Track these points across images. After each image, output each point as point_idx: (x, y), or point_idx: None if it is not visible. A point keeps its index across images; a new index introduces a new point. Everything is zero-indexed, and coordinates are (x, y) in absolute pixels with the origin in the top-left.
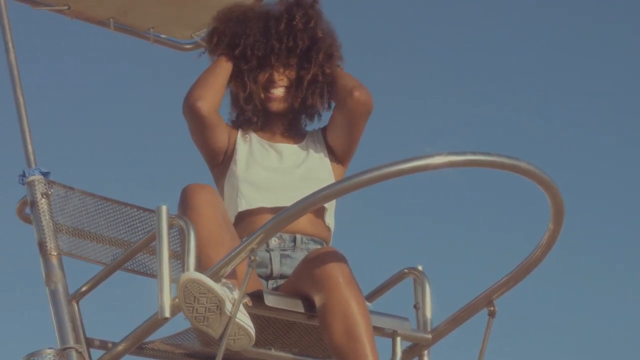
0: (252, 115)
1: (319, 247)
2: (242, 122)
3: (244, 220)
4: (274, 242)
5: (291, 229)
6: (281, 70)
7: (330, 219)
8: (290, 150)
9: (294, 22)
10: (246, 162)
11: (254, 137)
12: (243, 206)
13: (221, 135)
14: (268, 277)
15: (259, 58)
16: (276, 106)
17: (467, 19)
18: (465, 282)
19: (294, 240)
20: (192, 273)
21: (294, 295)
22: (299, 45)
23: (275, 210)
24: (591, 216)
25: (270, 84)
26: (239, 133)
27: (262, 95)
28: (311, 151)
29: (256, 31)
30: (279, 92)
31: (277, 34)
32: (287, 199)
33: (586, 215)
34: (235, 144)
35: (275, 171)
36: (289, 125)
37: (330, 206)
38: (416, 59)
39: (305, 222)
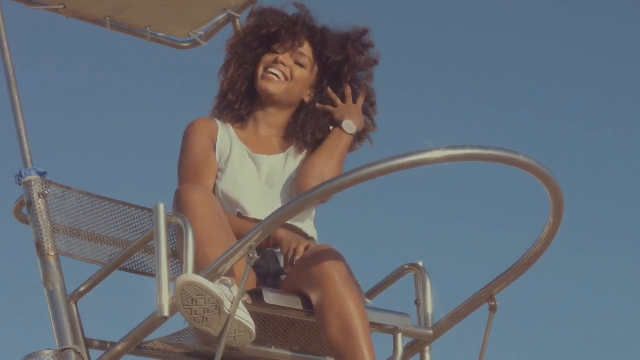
0: (235, 102)
1: (308, 238)
2: (224, 110)
3: None
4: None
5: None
6: (291, 60)
7: (311, 230)
8: (269, 162)
9: (349, 45)
10: (225, 170)
11: (234, 139)
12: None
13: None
14: (266, 275)
15: (290, 35)
16: (272, 87)
17: (466, 18)
18: (466, 278)
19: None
20: (188, 275)
21: (292, 293)
22: (329, 59)
23: (254, 220)
24: (592, 211)
25: (274, 64)
26: (219, 132)
27: (260, 73)
28: (291, 168)
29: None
30: (279, 74)
31: (329, 39)
32: (266, 209)
33: (587, 210)
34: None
35: (253, 183)
36: (275, 128)
37: (310, 222)
38: (416, 56)
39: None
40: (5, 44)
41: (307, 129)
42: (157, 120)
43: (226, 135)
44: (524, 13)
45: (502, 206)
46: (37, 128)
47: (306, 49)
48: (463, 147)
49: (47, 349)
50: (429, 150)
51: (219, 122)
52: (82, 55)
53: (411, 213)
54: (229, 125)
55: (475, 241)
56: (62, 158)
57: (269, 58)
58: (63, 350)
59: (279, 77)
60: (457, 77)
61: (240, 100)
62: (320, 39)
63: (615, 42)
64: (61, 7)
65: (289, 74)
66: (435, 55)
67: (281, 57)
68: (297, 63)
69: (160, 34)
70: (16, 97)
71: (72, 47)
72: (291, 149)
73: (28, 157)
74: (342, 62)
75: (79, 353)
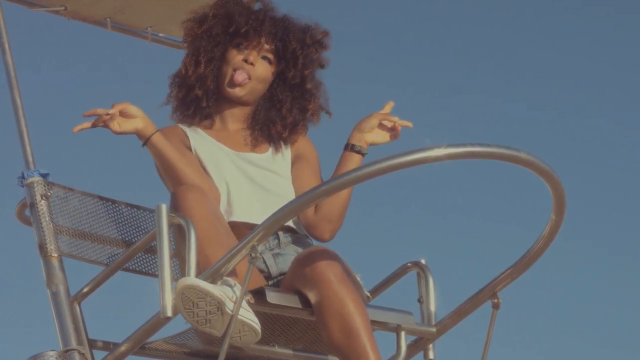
0: (201, 99)
1: (300, 237)
2: (189, 105)
3: None
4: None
5: None
6: (259, 57)
7: (300, 230)
8: (257, 161)
9: (307, 36)
10: (216, 175)
11: (209, 140)
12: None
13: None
14: (267, 278)
15: (258, 34)
16: (238, 91)
17: (465, 13)
18: (468, 275)
19: (278, 237)
20: (187, 279)
21: (294, 292)
22: (290, 47)
23: (248, 225)
24: (594, 205)
25: (243, 64)
26: (189, 136)
27: (229, 74)
28: (278, 163)
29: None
30: (247, 75)
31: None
32: (261, 213)
33: (589, 204)
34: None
35: (248, 187)
36: (242, 122)
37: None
38: (418, 53)
39: None
40: (6, 45)
41: (277, 123)
42: (159, 120)
43: (198, 138)
44: (522, 6)
45: (504, 203)
46: (38, 129)
47: (270, 44)
48: (464, 145)
49: (51, 350)
50: (430, 148)
51: (183, 127)
52: (82, 55)
53: (413, 211)
54: (195, 127)
55: (477, 238)
56: (64, 159)
57: (237, 58)
58: (67, 351)
59: (247, 78)
60: (457, 74)
61: (208, 98)
62: (282, 31)
63: (618, 35)
64: (62, 8)
65: (257, 72)
66: (436, 54)
67: (251, 58)
68: (263, 58)
69: (160, 34)
70: (17, 99)
71: (73, 47)
72: (272, 145)
73: (30, 158)
74: (299, 50)
75: (83, 354)
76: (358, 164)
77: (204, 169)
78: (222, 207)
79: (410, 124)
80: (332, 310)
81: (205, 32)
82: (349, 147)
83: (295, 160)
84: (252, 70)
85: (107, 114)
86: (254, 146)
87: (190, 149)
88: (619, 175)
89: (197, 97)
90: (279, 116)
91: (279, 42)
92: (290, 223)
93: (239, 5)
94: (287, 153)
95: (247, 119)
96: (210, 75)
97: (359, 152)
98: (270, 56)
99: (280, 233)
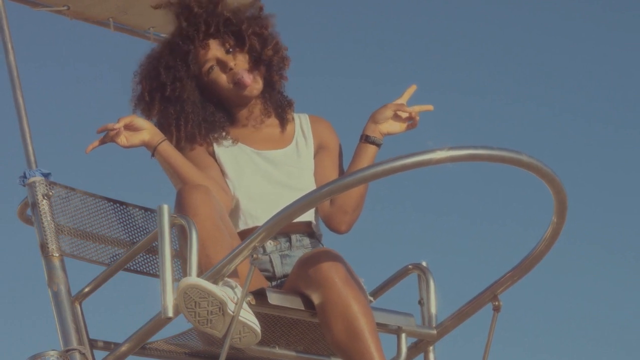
0: (214, 131)
1: (314, 241)
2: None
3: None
4: (269, 245)
5: (284, 230)
6: (226, 54)
7: (317, 229)
8: (280, 158)
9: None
10: (236, 178)
11: (231, 143)
12: (240, 226)
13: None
14: (271, 279)
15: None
16: (255, 89)
17: (468, 11)
18: (469, 277)
19: (289, 239)
20: (190, 279)
21: (295, 293)
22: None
23: None
24: (595, 206)
25: (231, 72)
26: (211, 139)
27: (229, 87)
28: (303, 156)
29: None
30: (245, 73)
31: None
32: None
33: (590, 205)
34: (214, 156)
35: (270, 187)
36: (260, 116)
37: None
38: (419, 52)
39: (296, 222)
40: (9, 45)
41: (283, 107)
42: None
43: (221, 141)
44: (524, 6)
45: (506, 205)
46: (40, 129)
47: (220, 40)
48: (466, 147)
49: (52, 350)
50: (432, 150)
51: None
52: (85, 55)
53: (414, 212)
54: (220, 131)
55: (478, 240)
56: (66, 159)
57: (222, 77)
58: (67, 351)
59: (249, 73)
60: (458, 75)
61: (218, 126)
62: (216, 26)
63: (625, 33)
64: (64, 8)
65: (245, 64)
66: (436, 54)
67: (229, 64)
68: (227, 52)
69: (163, 35)
70: (20, 99)
71: (76, 47)
72: (297, 134)
73: (32, 158)
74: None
75: (84, 354)
76: (373, 155)
77: (224, 172)
78: (247, 212)
79: (430, 107)
80: (337, 311)
81: (162, 103)
82: (364, 138)
83: (318, 150)
84: (241, 65)
85: (114, 129)
86: (276, 141)
87: (213, 153)
88: (619, 176)
89: (206, 135)
90: (279, 93)
91: (228, 34)
92: (309, 217)
93: (163, 56)
94: (310, 142)
95: (261, 105)
96: (203, 123)
97: (373, 143)
98: (230, 42)
99: (294, 235)
